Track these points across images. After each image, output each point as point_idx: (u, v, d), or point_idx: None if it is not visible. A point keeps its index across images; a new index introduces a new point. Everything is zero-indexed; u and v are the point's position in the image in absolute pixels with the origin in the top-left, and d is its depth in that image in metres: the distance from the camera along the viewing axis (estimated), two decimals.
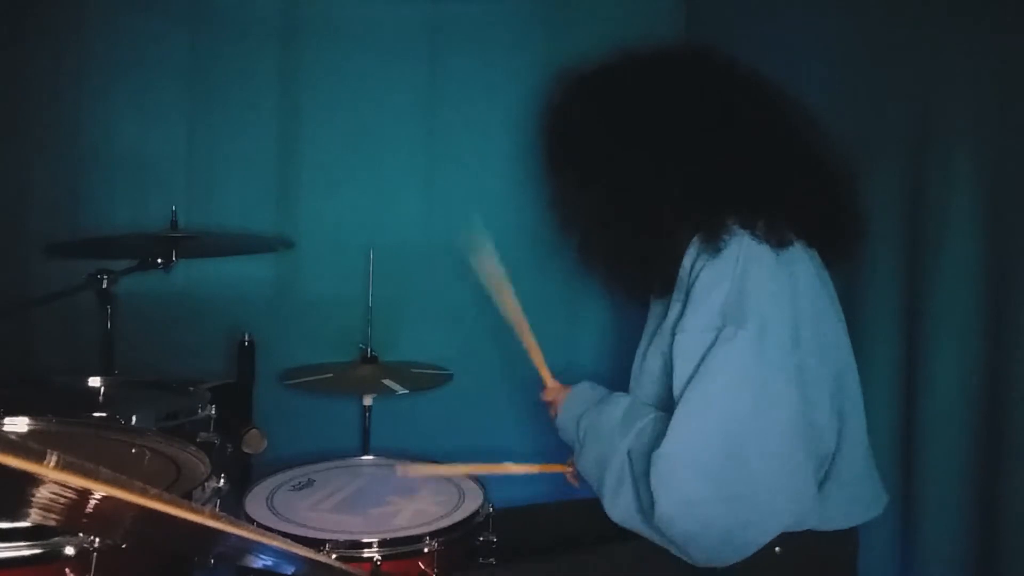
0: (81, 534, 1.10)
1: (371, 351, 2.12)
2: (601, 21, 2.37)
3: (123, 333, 1.99)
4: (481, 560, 1.56)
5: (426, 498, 1.67)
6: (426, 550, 1.49)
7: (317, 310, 2.36)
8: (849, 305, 1.62)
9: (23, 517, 0.72)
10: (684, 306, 1.41)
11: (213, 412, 1.76)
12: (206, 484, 1.31)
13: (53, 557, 1.10)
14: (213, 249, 2.14)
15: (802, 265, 1.43)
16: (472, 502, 1.64)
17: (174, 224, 2.03)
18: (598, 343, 2.46)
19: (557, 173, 1.66)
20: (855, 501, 1.47)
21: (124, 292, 1.96)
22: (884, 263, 1.73)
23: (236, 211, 2.30)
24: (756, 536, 1.33)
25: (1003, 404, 1.49)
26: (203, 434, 1.64)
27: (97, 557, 1.10)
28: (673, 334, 1.41)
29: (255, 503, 1.62)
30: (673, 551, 1.38)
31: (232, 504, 1.54)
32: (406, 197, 2.40)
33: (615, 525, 1.44)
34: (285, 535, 1.45)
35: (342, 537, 1.48)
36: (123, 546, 1.13)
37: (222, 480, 1.34)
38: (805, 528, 1.39)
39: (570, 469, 1.67)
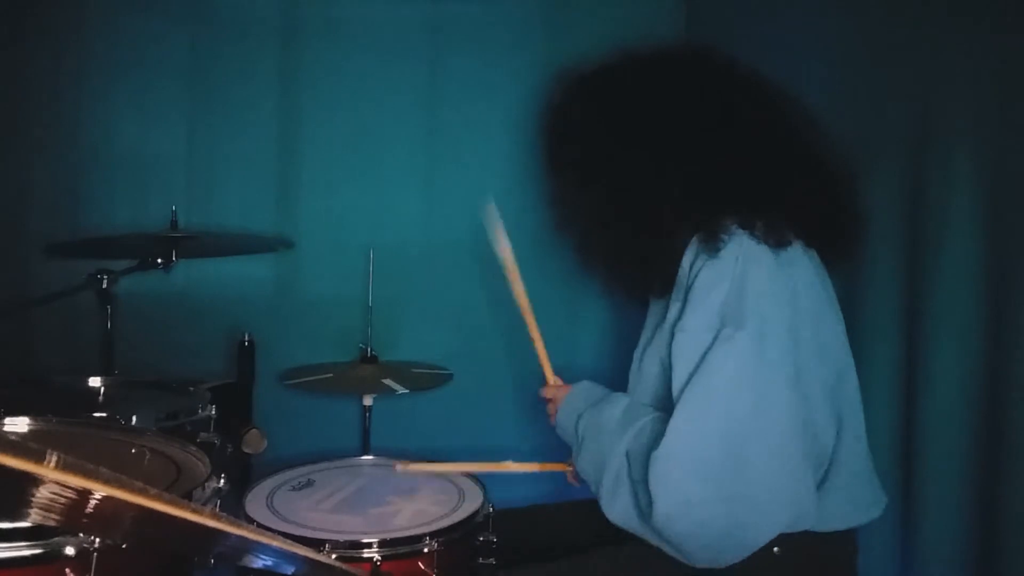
0: (81, 534, 1.09)
1: (371, 351, 2.12)
2: (601, 21, 2.37)
3: (123, 333, 1.99)
4: (481, 560, 1.56)
5: (426, 498, 1.67)
6: (426, 550, 1.49)
7: (317, 310, 2.36)
8: (849, 305, 1.62)
9: (23, 517, 0.72)
10: (683, 306, 1.41)
11: (213, 412, 1.76)
12: (206, 484, 1.31)
13: (53, 557, 1.10)
14: (213, 249, 2.14)
15: (801, 265, 1.43)
16: (472, 502, 1.64)
17: (174, 224, 2.03)
18: (598, 343, 2.46)
19: (557, 173, 1.66)
20: (854, 502, 1.47)
21: (124, 292, 1.96)
22: (884, 263, 1.73)
23: (236, 211, 2.30)
24: (755, 537, 1.33)
25: (1003, 404, 1.49)
26: (203, 434, 1.64)
27: (97, 557, 1.10)
28: (672, 334, 1.41)
29: (255, 503, 1.62)
30: (670, 552, 1.38)
31: (232, 504, 1.54)
32: (406, 197, 2.40)
33: (614, 526, 1.44)
34: (285, 535, 1.45)
35: (342, 537, 1.48)
36: (123, 546, 1.12)
37: (222, 480, 1.34)
38: (804, 529, 1.39)
39: (570, 468, 1.67)
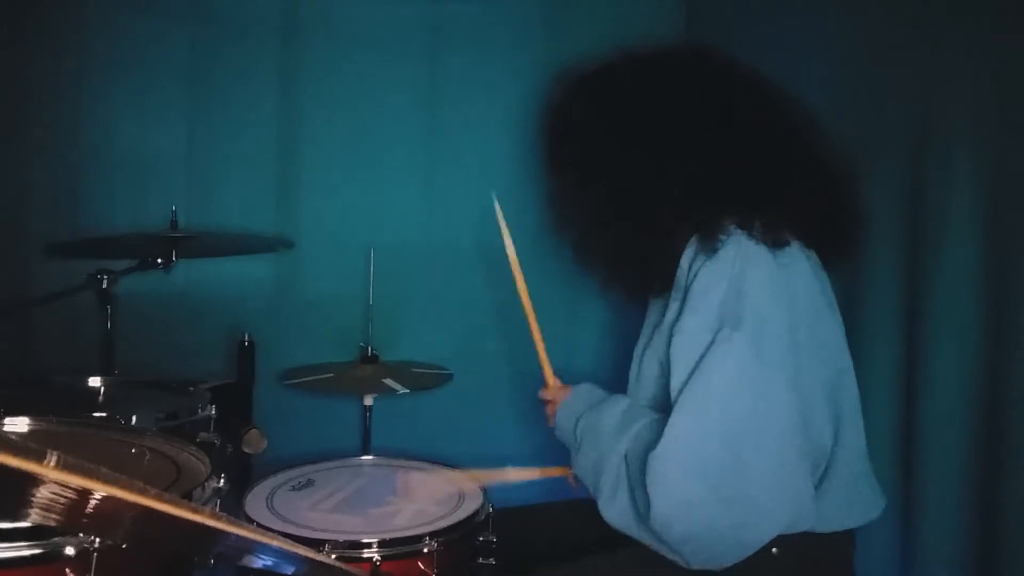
0: (81, 534, 1.09)
1: (372, 350, 2.12)
2: (601, 21, 2.37)
3: (123, 333, 1.99)
4: (481, 560, 1.56)
5: (426, 498, 1.67)
6: (426, 550, 1.49)
7: (317, 310, 2.36)
8: (849, 305, 1.62)
9: (23, 517, 0.72)
10: (682, 306, 1.41)
11: (213, 412, 1.76)
12: (206, 484, 1.31)
13: (53, 557, 1.09)
14: (213, 249, 2.14)
15: (800, 266, 1.43)
16: (472, 502, 1.64)
17: (174, 224, 2.03)
18: (598, 343, 2.46)
19: (557, 173, 1.66)
20: (852, 503, 1.47)
21: (124, 292, 1.96)
22: (884, 263, 1.73)
23: (236, 211, 2.30)
24: (753, 537, 1.33)
25: (1003, 404, 1.49)
26: (203, 434, 1.64)
27: (97, 557, 1.10)
28: (671, 334, 1.41)
29: (255, 503, 1.62)
30: (668, 555, 1.37)
31: (232, 504, 1.54)
32: (406, 197, 2.40)
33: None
34: (285, 535, 1.45)
35: (342, 537, 1.48)
36: (123, 546, 1.12)
37: (222, 480, 1.34)
38: (802, 530, 1.38)
39: (571, 472, 1.66)
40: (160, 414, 1.72)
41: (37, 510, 0.69)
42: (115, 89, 2.22)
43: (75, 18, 2.18)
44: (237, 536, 0.84)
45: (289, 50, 2.31)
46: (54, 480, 0.63)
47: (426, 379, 2.13)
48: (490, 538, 1.57)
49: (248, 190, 2.32)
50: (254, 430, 1.72)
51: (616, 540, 1.45)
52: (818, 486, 1.41)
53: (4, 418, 1.53)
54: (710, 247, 1.40)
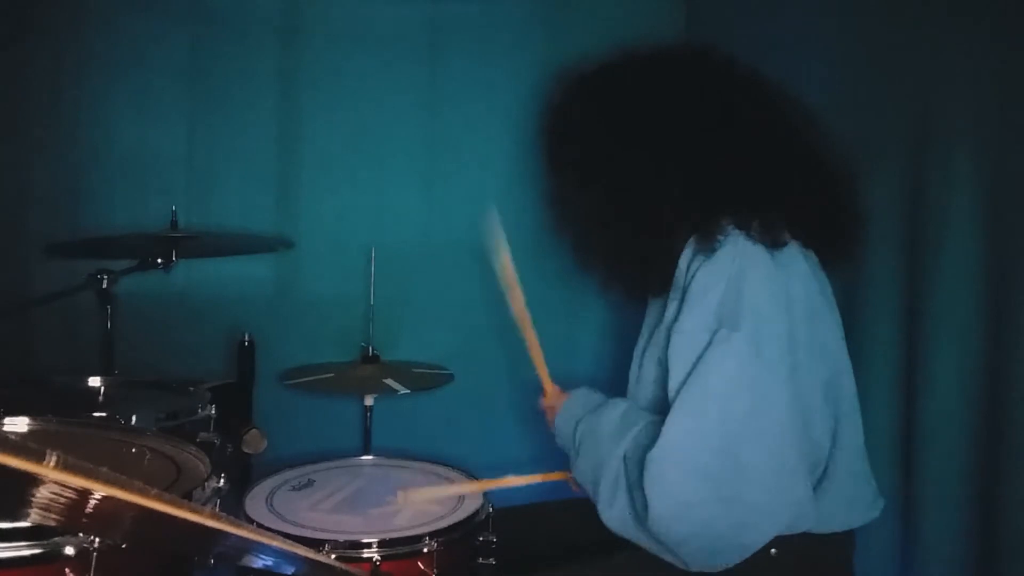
0: (81, 534, 1.09)
1: (373, 350, 2.12)
2: (601, 21, 2.37)
3: (123, 333, 1.99)
4: (481, 560, 1.56)
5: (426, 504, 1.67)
6: (426, 550, 1.49)
7: (317, 310, 2.36)
8: (849, 305, 1.62)
9: (23, 517, 0.72)
10: (680, 307, 1.41)
11: (213, 412, 1.76)
12: (206, 484, 1.31)
13: (53, 557, 1.09)
14: (213, 249, 2.14)
15: (798, 266, 1.43)
16: (472, 502, 1.64)
17: (174, 224, 2.03)
18: (598, 343, 2.46)
19: (557, 173, 1.66)
20: (851, 503, 1.47)
21: (124, 292, 1.96)
22: (884, 263, 1.73)
23: (236, 211, 2.30)
24: (752, 538, 1.33)
25: (1003, 404, 1.49)
26: (203, 434, 1.64)
27: (97, 557, 1.10)
28: (669, 335, 1.41)
29: (255, 503, 1.62)
30: (667, 558, 1.37)
31: (232, 504, 1.54)
32: (406, 197, 2.40)
33: None
34: (285, 535, 1.45)
35: (342, 537, 1.48)
36: (123, 546, 1.12)
37: (222, 480, 1.34)
38: (801, 531, 1.39)
39: (571, 476, 1.66)
40: (160, 414, 1.71)
41: (37, 510, 0.69)
42: (115, 89, 2.22)
43: (75, 18, 2.18)
44: (237, 536, 0.84)
45: (289, 50, 2.31)
46: (54, 480, 0.63)
47: (427, 379, 2.13)
48: (490, 538, 1.57)
49: (248, 190, 2.32)
50: (254, 430, 1.72)
51: (615, 541, 1.45)
52: (816, 487, 1.41)
53: (4, 418, 1.53)
54: (708, 247, 1.40)
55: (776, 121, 1.51)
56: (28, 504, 0.68)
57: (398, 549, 1.48)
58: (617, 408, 1.52)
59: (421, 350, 2.28)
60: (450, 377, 2.14)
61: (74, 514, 0.72)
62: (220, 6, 2.26)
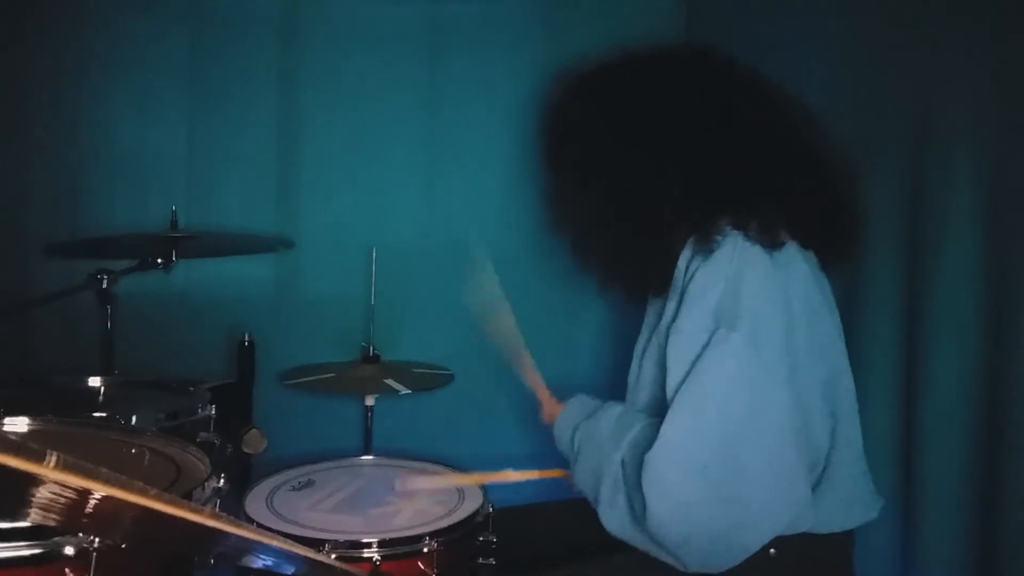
0: (81, 534, 1.09)
1: (373, 350, 2.12)
2: (601, 21, 2.36)
3: (123, 333, 1.99)
4: (481, 560, 1.56)
5: (426, 498, 1.67)
6: (426, 550, 1.49)
7: (317, 310, 2.36)
8: (848, 305, 1.62)
9: (23, 517, 0.72)
10: (678, 307, 1.41)
11: (213, 412, 1.76)
12: (206, 484, 1.31)
13: (53, 557, 1.09)
14: (213, 249, 2.14)
15: (797, 266, 1.43)
16: (472, 502, 1.64)
17: (174, 224, 2.03)
18: (597, 344, 2.46)
19: (557, 173, 1.66)
20: (850, 504, 1.47)
21: (124, 292, 1.96)
22: (884, 263, 1.73)
23: (236, 211, 2.30)
24: (751, 538, 1.33)
25: (1003, 404, 1.49)
26: (203, 434, 1.64)
27: (97, 557, 1.10)
28: (668, 335, 1.41)
29: (255, 503, 1.62)
30: (666, 560, 1.37)
31: (232, 504, 1.54)
32: (406, 197, 2.40)
33: None
34: (285, 535, 1.45)
35: (342, 537, 1.48)
36: (123, 546, 1.12)
37: (222, 480, 1.34)
38: (800, 531, 1.38)
39: (569, 473, 1.67)
40: (160, 414, 1.72)
41: (37, 510, 0.69)
42: (115, 89, 2.22)
43: (75, 18, 2.18)
44: (237, 536, 0.84)
45: (289, 50, 2.31)
46: (54, 480, 0.63)
47: (427, 379, 2.13)
48: (490, 538, 1.57)
49: (248, 190, 2.32)
50: (254, 430, 1.72)
51: (615, 542, 1.45)
52: (815, 487, 1.41)
53: (4, 418, 1.53)
54: (706, 248, 1.40)
55: (776, 121, 1.51)
56: (28, 504, 0.68)
57: (398, 549, 1.48)
58: (612, 412, 1.52)
59: (421, 350, 2.27)
60: (450, 377, 2.14)
61: (74, 514, 0.72)
62: (220, 6, 2.26)
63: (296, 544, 0.95)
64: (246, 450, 1.70)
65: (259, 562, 0.96)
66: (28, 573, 1.10)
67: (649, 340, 1.55)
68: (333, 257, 2.35)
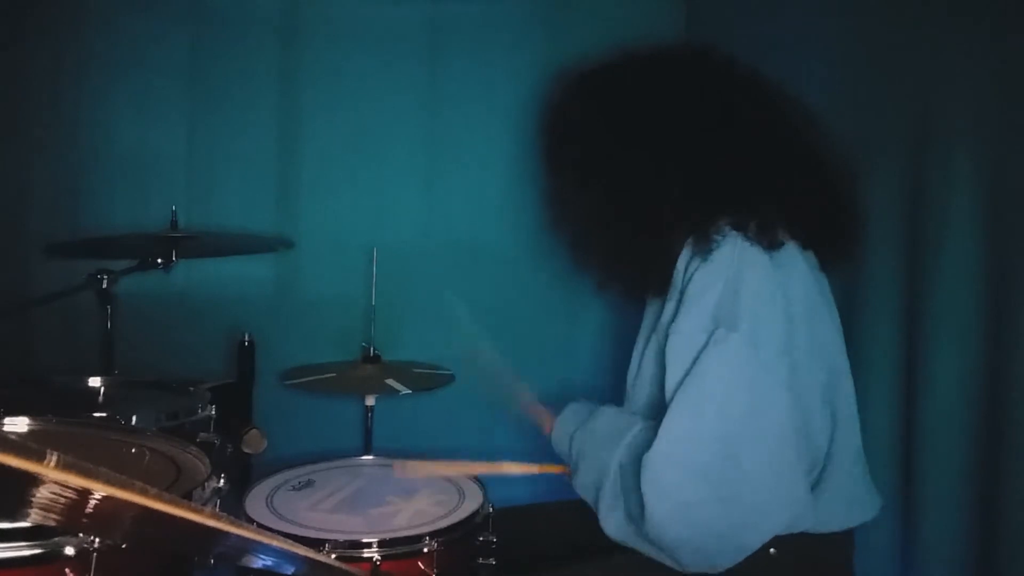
0: (81, 534, 1.09)
1: (374, 350, 2.12)
2: (601, 21, 2.36)
3: (123, 333, 1.99)
4: (481, 560, 1.56)
5: (426, 498, 1.67)
6: (426, 550, 1.49)
7: (317, 310, 2.36)
8: (848, 305, 1.62)
9: (23, 517, 0.72)
10: (677, 307, 1.41)
11: (213, 412, 1.76)
12: (206, 484, 1.31)
13: (53, 557, 1.09)
14: (213, 249, 2.14)
15: (796, 266, 1.43)
16: (472, 502, 1.64)
17: (174, 224, 2.03)
18: (597, 344, 2.46)
19: (557, 172, 1.66)
20: (849, 503, 1.47)
21: (124, 292, 1.96)
22: (884, 263, 1.73)
23: (236, 211, 2.30)
24: (751, 538, 1.33)
25: (1003, 404, 1.49)
26: (203, 434, 1.64)
27: (97, 557, 1.10)
28: (667, 335, 1.41)
29: (255, 503, 1.62)
30: (666, 561, 1.37)
31: (232, 504, 1.54)
32: (406, 197, 2.40)
33: None
34: (285, 535, 1.45)
35: (342, 537, 1.48)
36: (123, 546, 1.12)
37: (222, 480, 1.34)
38: (800, 531, 1.38)
39: (573, 481, 1.66)
40: (160, 414, 1.72)
41: (37, 510, 0.69)
42: (115, 89, 2.22)
43: (75, 18, 2.18)
44: (237, 536, 0.84)
45: (289, 50, 2.31)
46: (54, 480, 0.63)
47: (428, 379, 2.13)
48: (490, 538, 1.57)
49: (248, 190, 2.32)
50: (254, 430, 1.72)
51: (615, 543, 1.45)
52: (815, 486, 1.41)
53: (4, 418, 1.53)
54: (706, 248, 1.40)
55: (776, 121, 1.51)
56: (28, 504, 0.68)
57: (398, 549, 1.48)
58: (606, 416, 1.52)
59: (422, 350, 2.27)
60: (451, 377, 2.14)
61: (74, 514, 0.72)
62: (220, 6, 2.26)
63: (296, 544, 0.95)
64: (246, 450, 1.70)
65: (259, 562, 0.96)
66: (28, 573, 1.10)
67: (648, 340, 1.55)
68: (333, 257, 2.35)
